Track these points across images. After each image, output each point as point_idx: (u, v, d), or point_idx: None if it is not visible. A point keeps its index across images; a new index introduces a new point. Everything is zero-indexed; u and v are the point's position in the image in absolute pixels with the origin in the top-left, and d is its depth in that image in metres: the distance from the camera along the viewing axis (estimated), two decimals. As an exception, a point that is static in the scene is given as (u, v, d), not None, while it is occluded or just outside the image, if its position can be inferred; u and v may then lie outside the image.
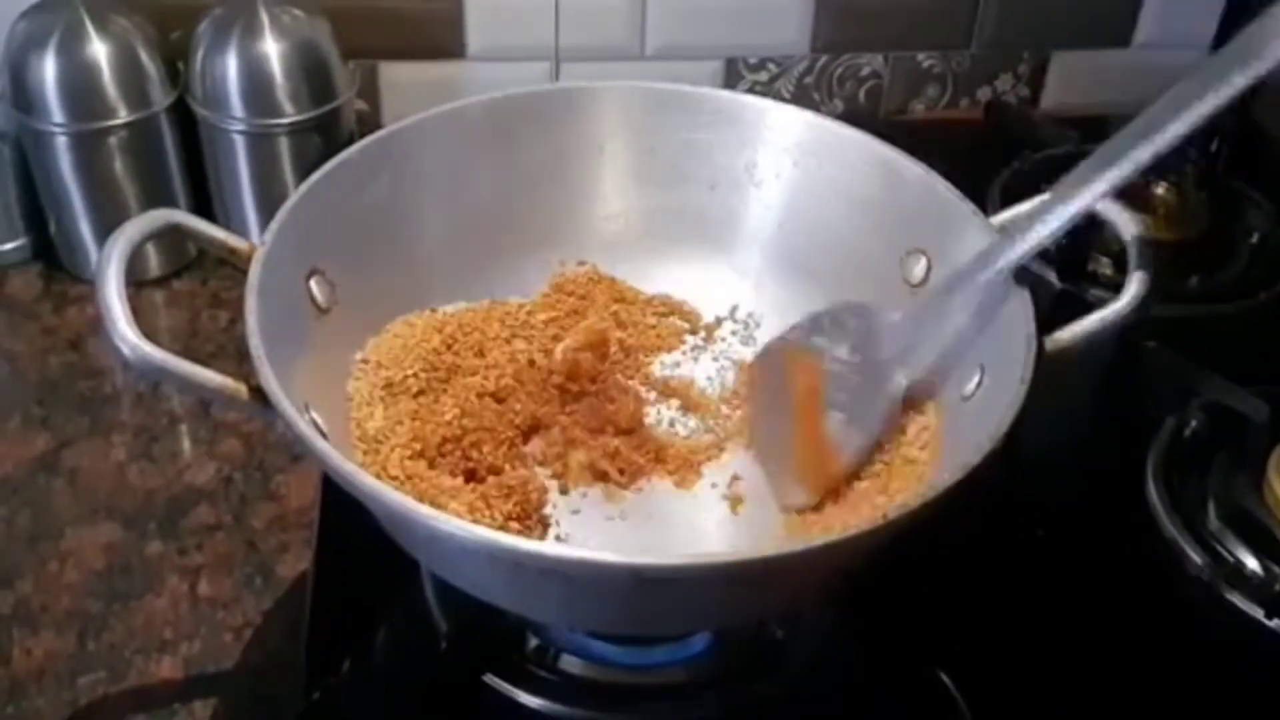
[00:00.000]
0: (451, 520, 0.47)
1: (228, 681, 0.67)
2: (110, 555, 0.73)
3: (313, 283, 0.62)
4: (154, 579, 0.72)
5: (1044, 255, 0.87)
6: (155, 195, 0.91)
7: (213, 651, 0.68)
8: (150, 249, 0.92)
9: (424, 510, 0.47)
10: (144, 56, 0.87)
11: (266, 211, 0.88)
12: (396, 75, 1.02)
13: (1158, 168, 0.93)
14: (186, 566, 0.73)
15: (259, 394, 0.52)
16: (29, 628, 0.69)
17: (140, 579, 0.72)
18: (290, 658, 0.64)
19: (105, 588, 0.71)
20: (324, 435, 0.54)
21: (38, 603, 0.70)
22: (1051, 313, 0.60)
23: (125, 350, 0.51)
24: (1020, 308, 0.58)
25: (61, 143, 0.87)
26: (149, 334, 0.86)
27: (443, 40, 1.00)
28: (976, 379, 0.60)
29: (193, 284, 0.94)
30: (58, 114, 0.86)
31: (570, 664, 0.61)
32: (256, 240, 0.60)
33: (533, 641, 0.61)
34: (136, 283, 0.92)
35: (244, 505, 0.77)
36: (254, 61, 0.87)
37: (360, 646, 0.64)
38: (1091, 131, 1.06)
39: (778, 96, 1.07)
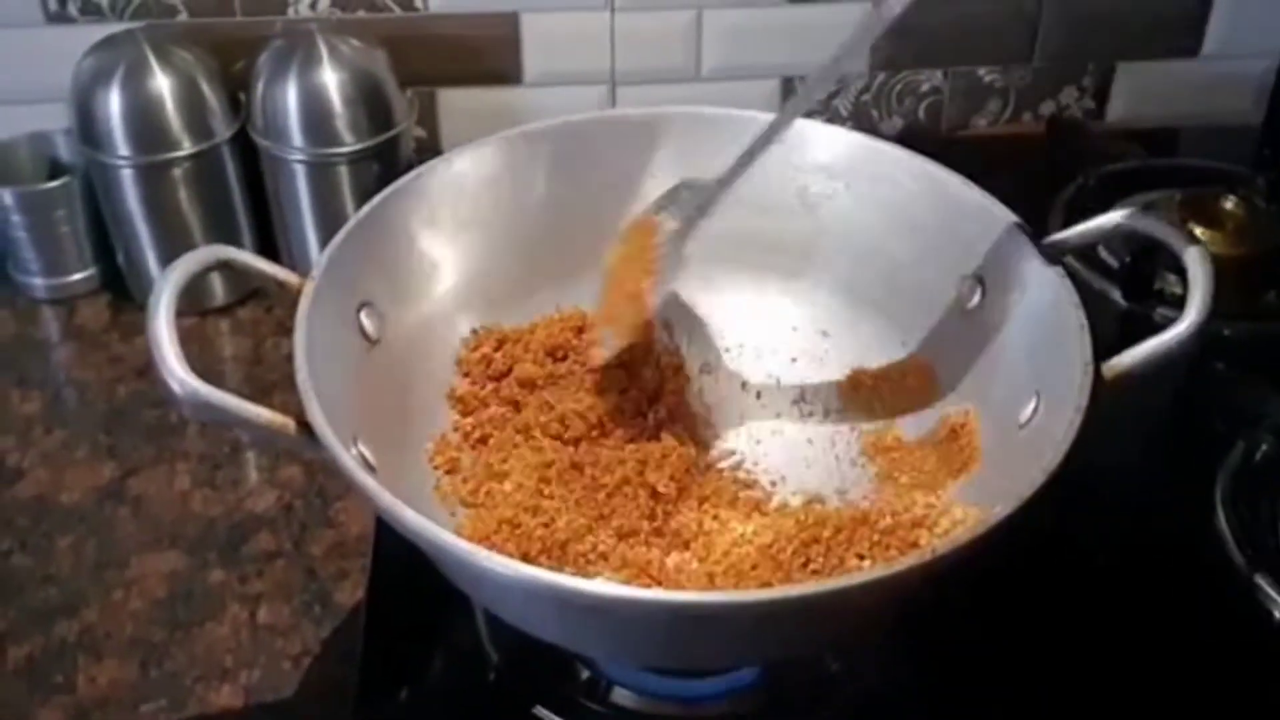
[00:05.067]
0: (494, 558, 0.47)
1: (286, 710, 0.67)
2: (173, 583, 0.74)
3: (363, 315, 0.62)
4: (215, 607, 0.73)
5: (1109, 273, 0.86)
6: (218, 225, 0.93)
7: (272, 679, 0.69)
8: (215, 277, 0.93)
9: (467, 547, 0.47)
10: (206, 89, 0.89)
11: (328, 239, 0.89)
12: (455, 102, 1.02)
13: (1227, 181, 0.92)
14: (247, 594, 0.73)
15: (307, 429, 0.52)
16: (93, 655, 0.70)
17: (202, 606, 0.73)
18: (348, 686, 0.65)
19: (168, 615, 0.72)
20: (372, 468, 0.55)
21: (102, 630, 0.71)
22: (1117, 333, 0.59)
23: (175, 387, 0.52)
24: (1077, 333, 0.57)
25: (127, 175, 0.89)
26: (213, 362, 0.91)
27: (500, 66, 1.01)
28: (1033, 406, 0.59)
29: (256, 312, 0.95)
30: (123, 147, 0.88)
31: (621, 696, 0.61)
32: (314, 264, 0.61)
33: (583, 674, 0.61)
34: (201, 311, 0.93)
35: (304, 532, 0.77)
36: (313, 92, 0.88)
37: (414, 676, 0.64)
38: (1159, 145, 1.04)
39: (835, 115, 1.06)
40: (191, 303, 0.87)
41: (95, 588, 0.74)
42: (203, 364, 0.89)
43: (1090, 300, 0.60)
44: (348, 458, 0.51)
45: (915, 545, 0.60)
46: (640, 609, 0.45)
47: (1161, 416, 0.80)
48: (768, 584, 0.55)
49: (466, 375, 0.69)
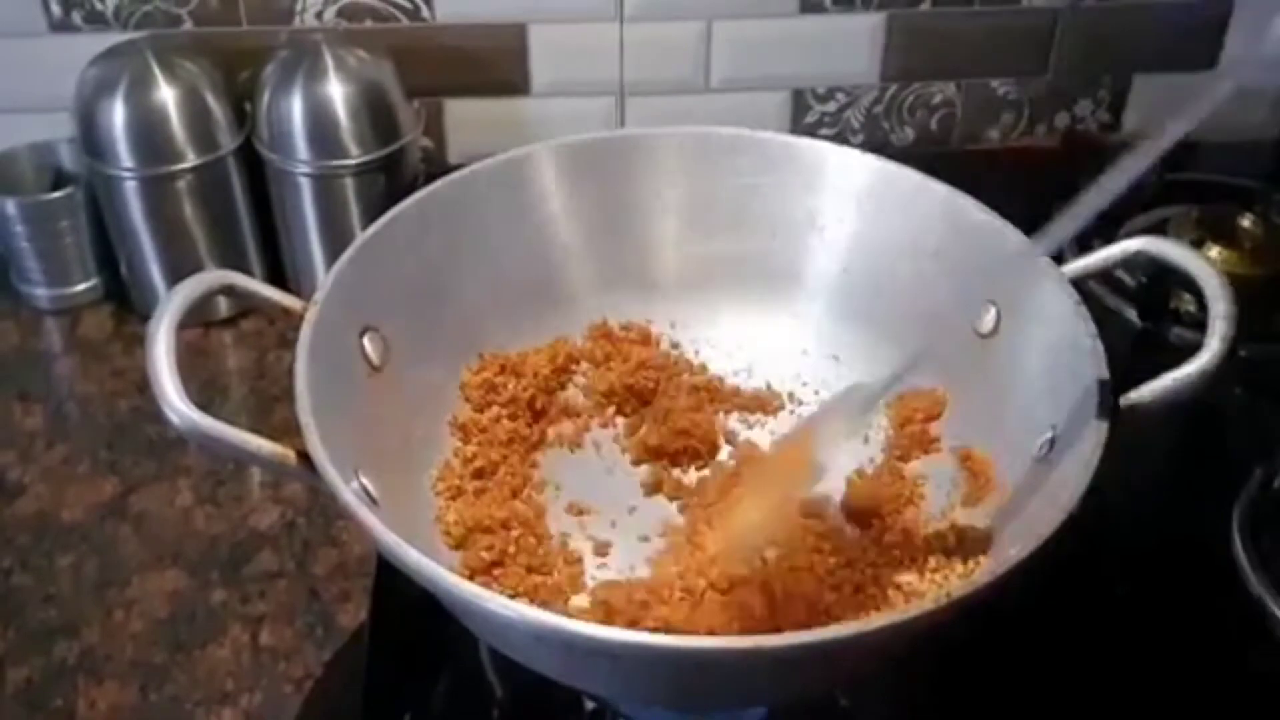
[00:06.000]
0: (497, 599, 0.46)
1: (288, 734, 0.67)
2: (174, 603, 0.73)
3: (366, 340, 0.61)
4: (216, 628, 0.72)
5: (1124, 292, 0.85)
6: (223, 237, 0.92)
7: (273, 703, 0.68)
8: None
9: (469, 588, 0.46)
10: (211, 100, 0.88)
11: (332, 251, 0.88)
12: (462, 113, 1.01)
13: (1244, 196, 0.90)
14: (249, 615, 0.73)
15: (307, 460, 0.51)
16: (94, 678, 0.69)
17: (203, 628, 0.72)
18: (351, 711, 0.64)
19: (169, 637, 0.71)
20: (374, 501, 0.54)
21: (103, 652, 0.71)
22: (1132, 353, 0.58)
23: (174, 419, 0.51)
24: (1095, 365, 0.56)
25: (131, 187, 0.88)
26: (216, 376, 0.90)
27: (508, 77, 1.00)
28: (1049, 437, 0.58)
29: (260, 324, 0.94)
30: (127, 159, 0.87)
31: (626, 731, 0.60)
32: (318, 283, 0.60)
33: (588, 706, 0.60)
34: (205, 323, 0.93)
35: (306, 551, 0.77)
36: (319, 103, 0.87)
37: (417, 702, 0.63)
38: (1176, 159, 1.03)
39: (846, 127, 1.05)
40: (195, 315, 0.86)
41: (96, 608, 0.73)
42: (206, 378, 0.90)
43: (1105, 320, 0.59)
44: (349, 493, 0.50)
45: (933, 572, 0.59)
46: (648, 654, 0.44)
47: (1177, 442, 0.78)
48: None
49: (468, 401, 0.68)
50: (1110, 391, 0.54)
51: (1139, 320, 0.84)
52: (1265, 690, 0.64)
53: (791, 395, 0.71)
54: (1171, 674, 0.65)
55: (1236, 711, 0.63)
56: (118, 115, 0.86)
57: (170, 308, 0.54)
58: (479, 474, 0.65)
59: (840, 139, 1.03)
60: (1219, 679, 0.65)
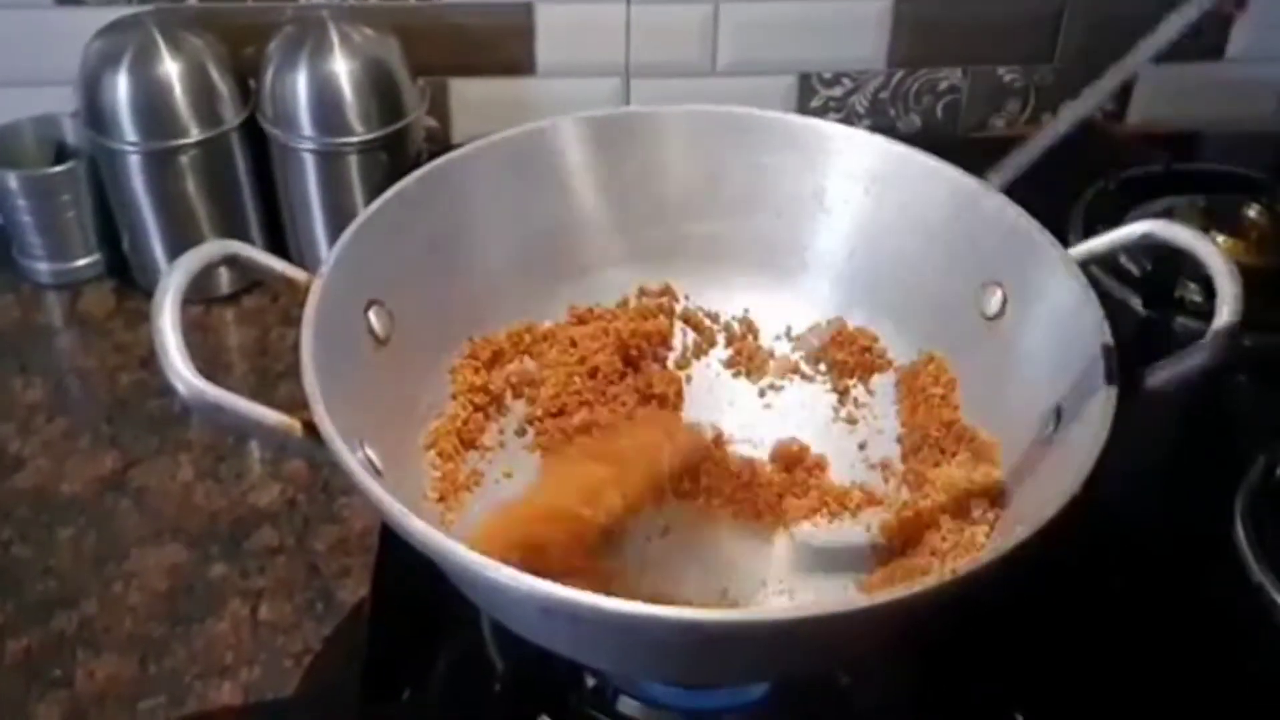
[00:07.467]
0: (503, 570, 0.45)
1: (287, 709, 0.67)
2: (174, 577, 0.73)
3: (371, 313, 0.61)
4: (216, 602, 0.72)
5: (1129, 281, 0.85)
6: (226, 213, 0.92)
7: (272, 678, 0.68)
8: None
9: (476, 559, 0.46)
10: (215, 75, 0.88)
11: (335, 229, 0.88)
12: (467, 92, 1.01)
13: (1249, 187, 0.90)
14: (248, 590, 0.73)
15: (313, 431, 0.51)
16: (92, 649, 0.69)
17: (203, 602, 0.72)
18: (349, 686, 0.64)
19: (168, 610, 0.71)
20: (378, 472, 0.54)
21: (101, 624, 0.70)
22: (1136, 342, 0.58)
23: (180, 387, 0.51)
24: (1101, 349, 0.56)
25: (134, 161, 0.88)
26: (219, 353, 0.90)
27: (513, 57, 0.99)
28: (1054, 420, 0.58)
29: (262, 301, 0.94)
30: (130, 133, 0.86)
31: (628, 706, 0.60)
32: (322, 260, 0.60)
33: (589, 682, 0.60)
34: (207, 300, 0.92)
35: (307, 527, 0.76)
36: (324, 80, 0.87)
37: (417, 678, 0.63)
38: (1181, 149, 1.03)
39: (852, 112, 1.05)
40: (197, 291, 0.86)
41: (95, 580, 0.73)
42: (208, 355, 0.89)
43: (1110, 308, 0.59)
44: (354, 463, 0.50)
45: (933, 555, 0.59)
46: (659, 626, 0.44)
47: (1180, 431, 0.78)
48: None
49: (463, 372, 0.67)
50: (1116, 361, 0.54)
51: (1143, 309, 0.84)
52: (1267, 679, 0.64)
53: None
54: (1173, 662, 0.65)
55: (1238, 700, 0.63)
56: (121, 89, 0.85)
57: (175, 276, 0.54)
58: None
59: (846, 124, 1.03)
60: (1221, 667, 0.65)
